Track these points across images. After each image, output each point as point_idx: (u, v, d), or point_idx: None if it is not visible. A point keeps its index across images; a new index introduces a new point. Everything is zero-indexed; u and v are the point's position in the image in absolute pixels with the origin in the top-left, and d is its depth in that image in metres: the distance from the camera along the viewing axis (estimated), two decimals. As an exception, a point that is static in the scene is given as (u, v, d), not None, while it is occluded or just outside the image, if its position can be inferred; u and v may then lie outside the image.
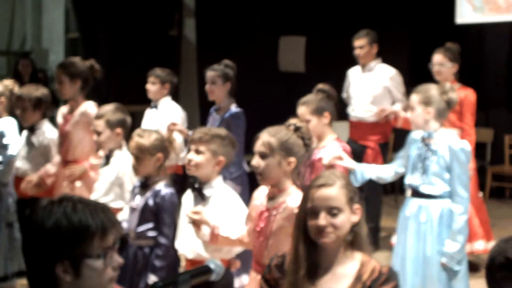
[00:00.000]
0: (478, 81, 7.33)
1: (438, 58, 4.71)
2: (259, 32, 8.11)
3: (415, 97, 3.31)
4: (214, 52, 6.27)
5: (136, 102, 6.78)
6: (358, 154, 5.38)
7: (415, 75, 5.01)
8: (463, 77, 7.03)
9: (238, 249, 2.95)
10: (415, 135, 3.48)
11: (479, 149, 7.05)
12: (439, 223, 3.30)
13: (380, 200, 5.48)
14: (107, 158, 3.73)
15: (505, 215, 6.70)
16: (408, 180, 3.42)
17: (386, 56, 5.81)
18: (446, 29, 7.14)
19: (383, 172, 3.55)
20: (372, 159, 5.32)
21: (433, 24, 7.51)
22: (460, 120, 4.76)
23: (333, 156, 3.32)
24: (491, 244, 4.80)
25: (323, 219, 2.01)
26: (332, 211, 2.03)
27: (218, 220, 2.83)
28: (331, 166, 3.31)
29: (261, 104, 7.50)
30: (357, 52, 5.45)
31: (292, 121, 2.72)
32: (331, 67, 5.86)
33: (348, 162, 3.37)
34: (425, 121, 3.31)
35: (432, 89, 3.32)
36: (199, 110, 7.84)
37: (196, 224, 2.81)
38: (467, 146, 3.34)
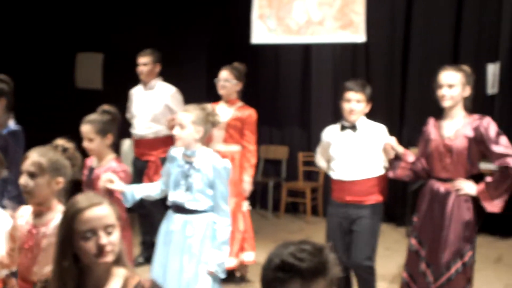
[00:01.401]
0: (275, 100, 7.80)
1: (224, 74, 4.88)
2: (55, 48, 7.98)
3: (186, 116, 3.36)
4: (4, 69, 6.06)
5: None
6: (142, 170, 5.58)
7: (213, 92, 5.12)
8: (258, 97, 7.56)
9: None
10: (175, 152, 3.53)
11: (275, 166, 7.78)
12: (204, 236, 3.40)
13: (161, 215, 5.60)
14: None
15: (299, 229, 6.98)
16: (172, 197, 3.46)
17: (184, 73, 5.92)
18: (244, 49, 7.48)
19: (151, 191, 3.61)
20: (154, 172, 5.47)
21: (231, 44, 7.81)
22: (241, 137, 4.96)
23: (104, 180, 3.42)
24: (247, 255, 5.08)
25: (103, 238, 2.02)
26: (108, 229, 2.05)
27: None
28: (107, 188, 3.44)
29: (53, 119, 7.48)
30: (141, 69, 5.53)
31: (59, 142, 2.84)
32: (128, 84, 5.94)
33: (118, 184, 3.45)
34: (194, 140, 3.39)
35: (201, 110, 3.39)
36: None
37: None
38: (228, 165, 3.45)
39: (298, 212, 7.73)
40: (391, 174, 3.83)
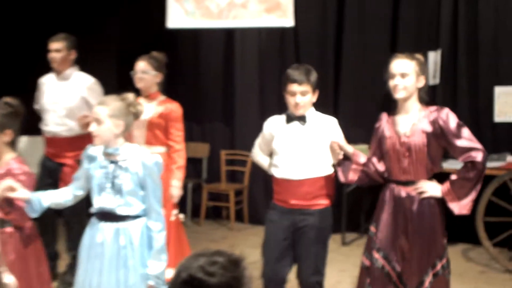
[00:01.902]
0: (194, 92, 7.52)
1: (141, 65, 4.67)
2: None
3: (102, 110, 3.21)
4: None
5: None
6: (54, 173, 5.12)
7: (124, 83, 4.77)
8: (176, 89, 7.19)
9: None
10: (93, 151, 3.36)
11: (195, 166, 7.53)
12: (140, 245, 3.27)
13: (84, 225, 5.15)
14: None
15: (222, 237, 6.82)
16: (98, 203, 3.30)
17: (92, 62, 5.58)
18: (159, 36, 7.17)
19: (61, 197, 3.41)
20: (70, 178, 4.97)
21: (144, 29, 7.49)
22: (166, 136, 4.72)
23: (3, 188, 3.18)
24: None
25: None
26: None
27: None
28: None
29: None
30: (53, 55, 5.12)
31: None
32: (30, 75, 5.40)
33: (22, 192, 3.23)
34: (114, 136, 3.23)
35: (118, 101, 3.25)
36: None
37: None
38: (160, 159, 3.31)
39: (220, 217, 7.58)
40: (341, 178, 3.73)
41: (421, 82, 3.49)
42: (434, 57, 6.36)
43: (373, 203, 4.59)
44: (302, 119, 3.73)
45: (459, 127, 3.40)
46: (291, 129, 3.77)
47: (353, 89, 6.84)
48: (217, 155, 7.52)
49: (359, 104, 6.74)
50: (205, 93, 7.58)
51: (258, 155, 4.04)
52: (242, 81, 7.36)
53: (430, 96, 5.79)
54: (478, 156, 3.37)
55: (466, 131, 3.40)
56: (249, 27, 6.62)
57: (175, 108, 4.72)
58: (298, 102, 3.64)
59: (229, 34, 7.37)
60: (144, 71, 4.67)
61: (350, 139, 5.94)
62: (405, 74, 3.42)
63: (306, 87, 3.64)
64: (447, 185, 3.45)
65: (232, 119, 7.48)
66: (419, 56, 3.51)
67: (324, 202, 3.77)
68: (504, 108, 6.10)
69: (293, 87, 3.63)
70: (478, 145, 3.41)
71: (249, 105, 7.28)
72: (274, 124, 3.87)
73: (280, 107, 5.57)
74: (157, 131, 4.67)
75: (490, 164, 5.38)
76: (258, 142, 4.02)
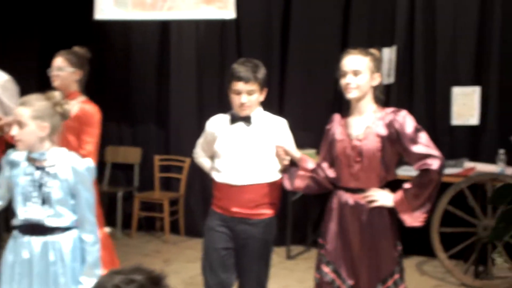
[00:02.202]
0: (125, 91, 7.40)
1: (57, 61, 4.50)
2: None
3: (25, 111, 3.12)
4: None
5: None
6: None
7: (46, 80, 4.59)
8: (105, 88, 7.29)
9: None
10: (16, 157, 3.25)
11: (126, 172, 7.48)
12: (72, 260, 3.20)
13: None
14: None
15: (155, 251, 6.68)
16: (22, 214, 3.18)
17: (11, 59, 5.35)
18: (86, 28, 7.04)
19: None
20: None
21: (70, 22, 7.36)
22: (79, 140, 4.45)
23: None
24: None
25: None
26: None
27: None
28: None
29: None
30: None
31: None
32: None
33: None
34: (40, 139, 3.15)
35: (43, 100, 3.16)
36: None
37: None
38: (92, 164, 3.26)
39: (154, 229, 7.43)
40: (287, 185, 3.67)
41: (376, 80, 3.42)
42: (388, 54, 6.25)
43: (321, 213, 4.57)
44: (247, 120, 3.68)
45: (416, 131, 3.33)
46: (235, 130, 3.72)
47: (300, 87, 6.73)
48: (150, 160, 7.38)
49: (307, 105, 6.62)
50: (137, 92, 7.42)
51: (200, 156, 3.98)
52: (178, 79, 7.22)
53: (384, 97, 5.95)
54: (434, 163, 3.30)
55: (423, 136, 3.33)
56: (186, 19, 6.56)
57: (91, 111, 4.48)
58: (244, 102, 3.58)
59: (164, 27, 7.22)
60: (60, 67, 4.49)
61: (297, 143, 6.11)
62: (358, 71, 3.36)
63: (253, 86, 3.58)
64: (399, 194, 3.38)
65: (167, 120, 7.33)
66: (373, 51, 3.45)
67: (268, 212, 3.72)
68: (462, 111, 6.06)
69: (239, 85, 3.56)
70: (435, 152, 3.34)
71: (186, 105, 7.15)
72: (217, 124, 3.81)
73: (221, 107, 5.75)
74: (70, 136, 4.35)
75: (446, 171, 5.34)
76: (201, 142, 3.96)
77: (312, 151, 5.89)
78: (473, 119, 6.02)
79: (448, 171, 5.50)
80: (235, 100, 3.62)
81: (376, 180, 3.41)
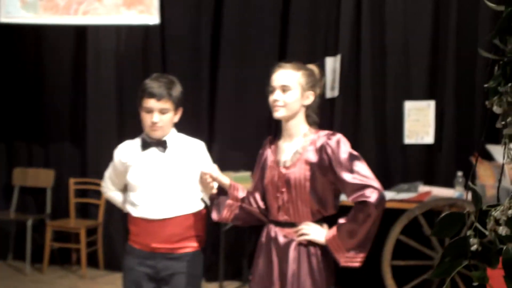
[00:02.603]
0: (35, 105, 7.21)
1: None
2: None
3: None
4: None
5: None
6: None
7: None
8: (12, 101, 7.07)
9: None
10: None
11: (36, 197, 7.26)
12: None
13: None
14: None
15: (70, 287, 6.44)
16: None
17: None
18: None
19: None
20: None
21: None
22: None
23: None
24: None
25: None
26: None
27: None
28: None
29: None
30: None
31: None
32: None
33: None
34: None
35: None
36: None
37: None
38: None
39: (69, 262, 7.20)
40: (214, 216, 3.55)
41: (309, 99, 3.28)
42: (332, 64, 6.13)
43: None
44: (161, 144, 3.61)
45: (351, 158, 3.18)
46: (149, 157, 3.65)
47: (233, 104, 6.62)
48: (65, 184, 7.19)
49: (240, 124, 6.51)
50: (49, 107, 7.20)
51: (109, 190, 3.88)
52: (95, 93, 7.04)
53: (327, 112, 6.03)
54: (372, 196, 3.13)
55: (360, 164, 3.18)
56: (105, 24, 6.41)
57: None
58: (156, 122, 3.51)
59: (79, 33, 7.02)
60: None
61: (229, 165, 6.03)
62: (287, 87, 3.24)
63: (166, 104, 3.53)
64: (332, 230, 3.23)
65: (83, 139, 7.15)
66: (310, 66, 3.34)
67: (193, 245, 3.67)
68: (415, 127, 5.92)
69: (150, 102, 3.50)
70: (374, 182, 3.18)
71: (105, 122, 6.97)
72: (127, 152, 3.72)
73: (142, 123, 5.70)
74: None
75: (398, 196, 5.40)
76: (109, 174, 3.86)
77: (246, 174, 5.76)
78: (428, 137, 5.90)
79: (401, 196, 5.44)
80: (146, 119, 3.54)
81: (307, 214, 3.26)
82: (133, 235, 3.67)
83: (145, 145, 3.63)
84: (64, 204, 7.12)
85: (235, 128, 6.49)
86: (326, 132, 3.28)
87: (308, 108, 3.32)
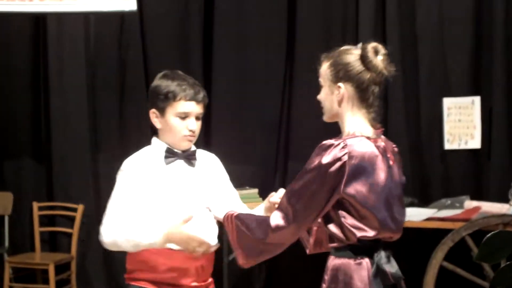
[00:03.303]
0: None
1: None
2: None
3: None
4: None
5: None
6: None
7: None
8: None
9: None
10: None
11: None
12: None
13: None
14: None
15: None
16: None
17: None
18: None
19: None
20: None
21: None
22: None
23: None
24: None
25: None
26: None
27: None
28: None
29: None
30: None
31: None
32: None
33: None
34: None
35: None
36: None
37: None
38: None
39: None
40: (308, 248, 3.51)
41: (339, 93, 3.24)
42: None
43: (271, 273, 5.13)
44: (190, 156, 3.60)
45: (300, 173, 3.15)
46: (175, 172, 3.58)
47: (232, 104, 6.60)
48: (27, 210, 7.03)
49: (241, 128, 6.53)
50: (3, 116, 7.06)
51: (121, 229, 3.49)
52: (61, 97, 6.91)
53: None
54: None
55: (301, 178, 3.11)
56: (70, 11, 6.41)
57: None
58: (194, 129, 3.53)
59: (38, 23, 6.92)
60: None
61: (234, 181, 5.71)
62: (320, 84, 3.23)
63: (203, 109, 3.60)
64: None
65: (48, 155, 7.00)
66: (347, 49, 3.18)
67: (211, 281, 3.72)
68: (457, 129, 5.96)
69: (188, 106, 3.50)
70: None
71: (74, 134, 6.85)
72: (146, 164, 3.56)
73: (122, 133, 6.04)
74: None
75: (440, 214, 5.43)
76: (117, 207, 3.52)
77: (253, 191, 5.86)
78: (474, 142, 5.91)
79: (443, 213, 5.45)
80: (178, 126, 3.47)
81: None
82: (158, 274, 3.51)
83: (170, 156, 3.56)
84: (27, 234, 7.02)
85: (236, 134, 6.51)
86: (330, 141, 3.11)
87: (353, 102, 3.11)
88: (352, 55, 3.14)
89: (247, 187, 5.90)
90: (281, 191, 3.44)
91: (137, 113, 6.30)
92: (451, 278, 5.38)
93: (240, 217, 3.22)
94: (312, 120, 6.08)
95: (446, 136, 5.96)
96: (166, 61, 6.52)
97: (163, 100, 3.49)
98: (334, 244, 3.15)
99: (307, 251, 3.50)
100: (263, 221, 3.17)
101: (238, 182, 6.06)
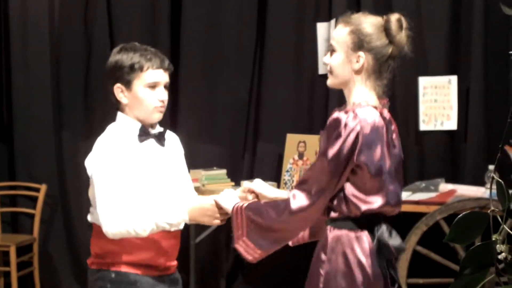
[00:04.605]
0: None
1: None
2: None
3: None
4: None
5: None
6: None
7: None
8: None
9: None
10: None
11: None
12: None
13: None
14: None
15: None
16: None
17: None
18: None
19: None
20: None
21: None
22: None
23: None
24: None
25: None
26: None
27: None
28: None
29: None
30: None
31: None
32: None
33: None
34: None
35: None
36: None
37: None
38: None
39: None
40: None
41: (359, 63, 3.22)
42: (325, 31, 6.19)
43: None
44: (160, 136, 3.57)
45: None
46: (148, 152, 3.56)
47: (200, 81, 6.50)
48: None
49: (210, 107, 6.46)
50: None
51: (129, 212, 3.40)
52: (23, 72, 6.78)
53: (321, 90, 6.20)
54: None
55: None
56: None
57: None
58: (165, 99, 3.50)
59: None
60: None
61: (198, 162, 5.96)
62: (333, 47, 3.24)
63: (169, 77, 3.58)
64: None
65: (9, 132, 6.89)
66: (373, 18, 3.23)
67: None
68: (433, 110, 5.91)
69: (157, 74, 3.45)
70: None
71: (37, 110, 6.72)
72: (124, 140, 3.50)
73: (87, 109, 6.14)
74: None
75: (414, 197, 5.42)
76: (116, 194, 3.41)
77: (221, 172, 5.91)
78: (450, 123, 5.88)
79: (417, 196, 5.45)
80: (149, 98, 3.41)
81: None
82: (136, 256, 3.44)
83: (143, 135, 3.49)
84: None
85: (204, 114, 6.47)
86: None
87: (369, 73, 3.16)
88: (374, 25, 3.15)
89: (215, 168, 5.97)
90: (258, 181, 3.46)
91: (102, 91, 6.16)
92: (425, 263, 5.39)
93: (250, 207, 3.20)
94: (281, 101, 6.08)
95: (422, 117, 5.96)
96: (133, 38, 6.40)
97: (128, 73, 3.41)
98: (335, 215, 3.14)
99: (290, 243, 3.48)
100: (279, 205, 3.17)
101: (206, 162, 6.15)
